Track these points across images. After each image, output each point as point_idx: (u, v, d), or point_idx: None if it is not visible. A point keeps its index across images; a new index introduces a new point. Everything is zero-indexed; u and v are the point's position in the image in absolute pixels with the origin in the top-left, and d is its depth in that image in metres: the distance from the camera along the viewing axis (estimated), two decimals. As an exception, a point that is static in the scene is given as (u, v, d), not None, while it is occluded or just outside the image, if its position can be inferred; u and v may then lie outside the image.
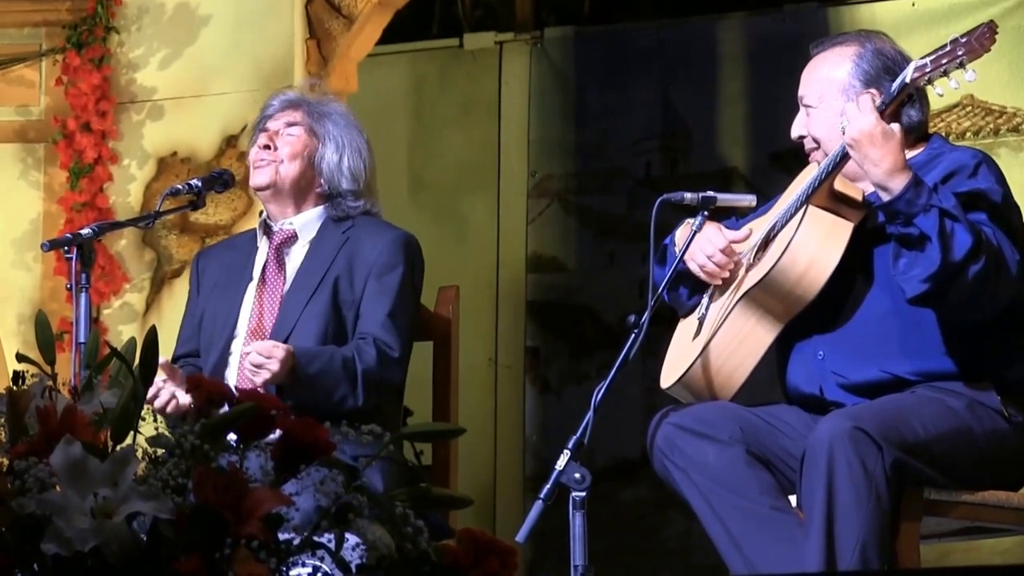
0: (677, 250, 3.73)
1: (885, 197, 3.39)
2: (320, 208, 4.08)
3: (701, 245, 3.68)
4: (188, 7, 6.34)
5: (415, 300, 4.03)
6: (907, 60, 3.57)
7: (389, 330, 3.90)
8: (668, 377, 3.75)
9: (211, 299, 4.09)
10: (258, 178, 4.07)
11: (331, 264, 3.97)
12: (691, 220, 3.71)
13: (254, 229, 4.15)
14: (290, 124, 4.09)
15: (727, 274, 3.70)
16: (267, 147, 4.07)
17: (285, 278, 4.02)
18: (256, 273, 4.05)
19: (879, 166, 3.38)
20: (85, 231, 3.93)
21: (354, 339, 3.91)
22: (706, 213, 3.64)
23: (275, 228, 4.08)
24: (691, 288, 3.84)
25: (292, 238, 4.06)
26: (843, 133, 3.43)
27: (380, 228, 4.06)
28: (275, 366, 3.73)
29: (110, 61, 6.31)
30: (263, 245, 4.09)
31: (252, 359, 3.75)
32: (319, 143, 4.07)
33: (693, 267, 3.71)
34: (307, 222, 4.07)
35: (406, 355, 3.93)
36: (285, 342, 3.87)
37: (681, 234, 3.78)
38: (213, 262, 4.18)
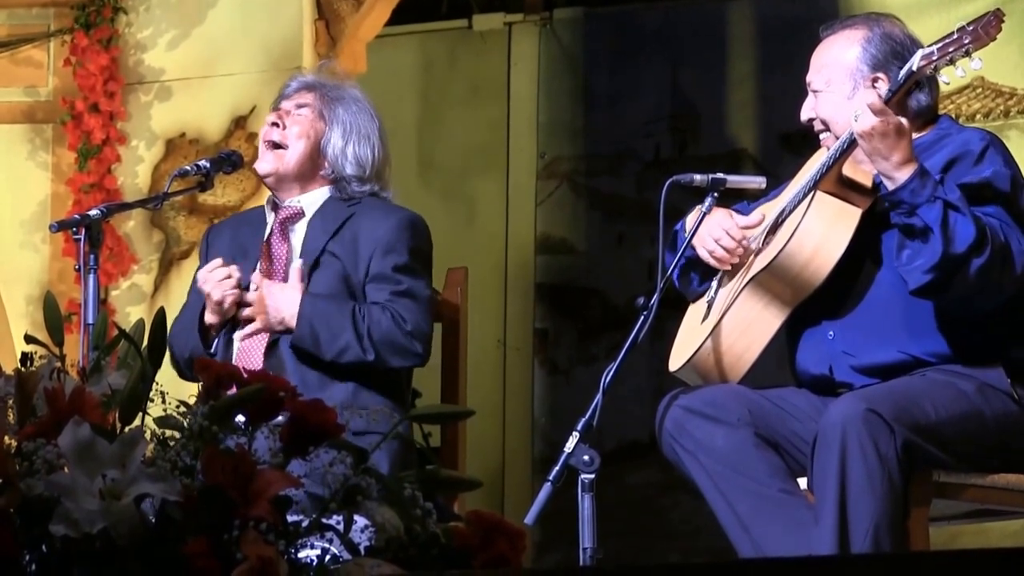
0: (687, 235, 3.72)
1: (890, 186, 3.40)
2: (326, 188, 4.07)
3: (709, 229, 3.67)
4: (196, -13, 6.33)
5: (426, 279, 4.00)
6: (916, 44, 3.56)
7: (398, 304, 3.89)
8: (676, 360, 3.74)
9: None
10: (261, 165, 4.07)
11: (333, 235, 3.95)
12: (701, 206, 3.70)
13: (264, 206, 4.15)
14: (300, 105, 4.09)
15: (736, 259, 3.69)
16: (275, 125, 4.07)
17: (290, 254, 4.01)
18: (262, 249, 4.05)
19: (888, 160, 3.38)
20: (93, 212, 3.92)
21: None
22: (716, 195, 3.63)
23: (282, 204, 4.08)
24: (702, 275, 3.84)
25: (299, 214, 4.06)
26: (855, 122, 3.41)
27: (386, 208, 4.05)
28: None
29: (118, 42, 6.30)
30: (270, 220, 4.09)
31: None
32: (326, 127, 4.06)
33: (702, 253, 3.70)
34: (314, 200, 4.07)
35: (420, 329, 3.88)
36: None
37: (692, 220, 3.77)
38: (223, 236, 4.16)
